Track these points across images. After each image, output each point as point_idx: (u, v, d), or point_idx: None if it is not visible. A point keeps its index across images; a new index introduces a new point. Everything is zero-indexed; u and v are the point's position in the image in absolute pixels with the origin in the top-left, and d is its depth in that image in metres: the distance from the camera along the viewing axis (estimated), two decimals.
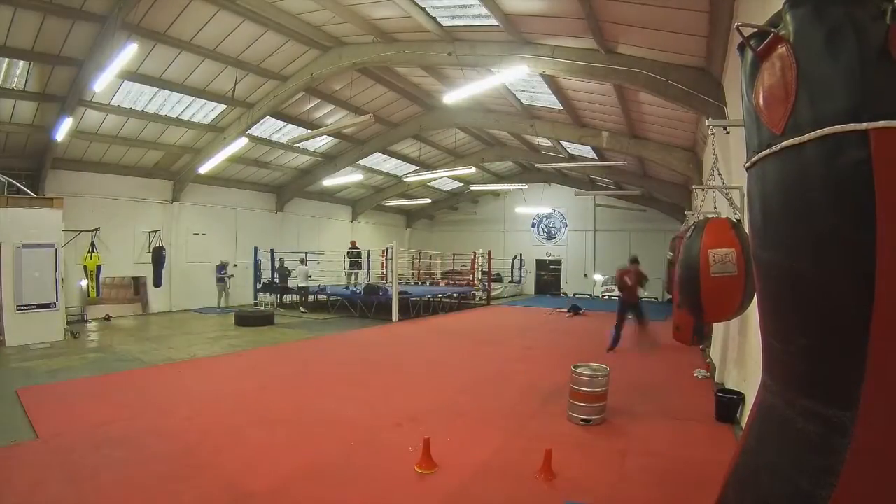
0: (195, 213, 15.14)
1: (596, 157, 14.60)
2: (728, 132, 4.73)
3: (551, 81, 9.66)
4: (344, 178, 16.51)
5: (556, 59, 7.93)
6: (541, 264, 23.89)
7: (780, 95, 1.28)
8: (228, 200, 16.10)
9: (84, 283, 11.34)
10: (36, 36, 7.99)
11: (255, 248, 15.52)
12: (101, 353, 8.28)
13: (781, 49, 1.29)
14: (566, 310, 15.30)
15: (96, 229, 10.86)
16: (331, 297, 15.08)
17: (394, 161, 17.87)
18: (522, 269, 23.55)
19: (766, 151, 1.34)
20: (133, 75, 9.57)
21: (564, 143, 14.29)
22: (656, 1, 5.72)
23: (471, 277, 19.25)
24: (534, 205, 22.14)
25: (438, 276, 21.02)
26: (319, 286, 15.45)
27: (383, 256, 18.79)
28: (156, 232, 13.40)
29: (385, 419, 5.02)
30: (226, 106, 11.62)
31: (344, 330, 11.50)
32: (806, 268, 1.25)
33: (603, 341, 9.33)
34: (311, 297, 15.40)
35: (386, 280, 16.45)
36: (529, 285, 23.82)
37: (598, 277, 21.27)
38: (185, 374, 7.04)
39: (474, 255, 18.77)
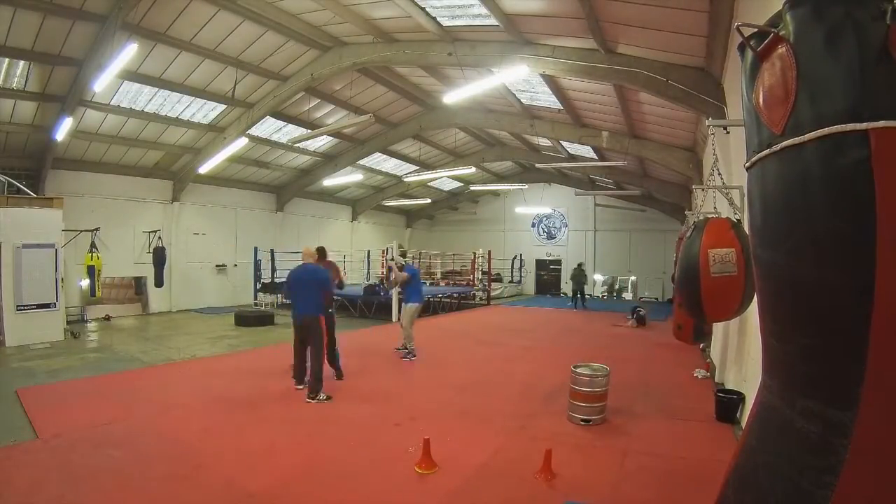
0: (195, 213, 15.14)
1: (596, 157, 14.60)
2: (728, 132, 4.73)
3: (551, 81, 9.65)
4: (344, 178, 16.51)
5: (556, 59, 7.93)
6: (541, 264, 23.89)
7: (780, 95, 1.28)
8: (228, 200, 16.09)
9: (85, 282, 11.34)
10: (36, 36, 7.99)
11: (255, 249, 15.52)
12: (101, 353, 8.28)
13: (781, 49, 1.29)
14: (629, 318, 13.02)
15: (96, 229, 10.86)
16: None
17: (394, 161, 17.87)
18: (522, 269, 23.56)
19: (766, 151, 1.34)
20: (133, 75, 9.56)
21: (564, 143, 14.29)
22: (656, 1, 5.72)
23: (471, 277, 19.25)
24: (534, 205, 22.14)
25: (438, 276, 21.01)
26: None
27: (383, 256, 18.76)
28: (156, 232, 13.41)
29: (385, 419, 5.02)
30: (226, 106, 11.62)
31: (344, 330, 11.47)
32: (806, 268, 1.25)
33: (602, 341, 9.34)
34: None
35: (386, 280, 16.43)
36: (529, 285, 23.83)
37: (598, 277, 21.28)
38: (185, 374, 7.04)
39: (474, 255, 18.77)
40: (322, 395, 5.59)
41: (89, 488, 3.41)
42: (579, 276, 16.68)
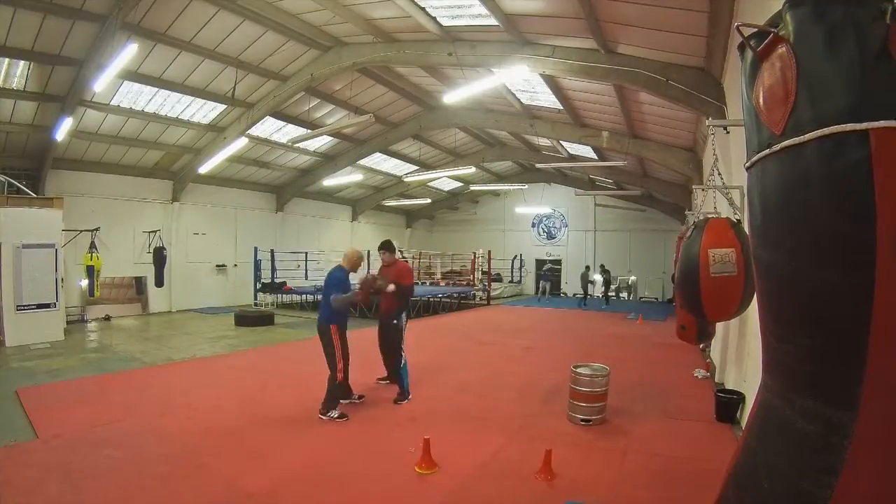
0: (195, 213, 15.15)
1: (596, 157, 14.60)
2: (728, 132, 4.73)
3: (551, 81, 9.65)
4: (344, 178, 16.52)
5: (556, 59, 7.93)
6: (541, 264, 23.88)
7: (780, 95, 1.28)
8: (228, 200, 16.10)
9: (84, 282, 11.35)
10: (36, 36, 7.99)
11: (255, 248, 15.53)
12: (101, 353, 8.28)
13: (781, 49, 1.29)
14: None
15: (96, 229, 10.87)
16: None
17: (394, 161, 17.88)
18: (522, 269, 23.55)
19: (766, 151, 1.34)
20: (133, 75, 9.57)
21: (564, 143, 14.29)
22: (656, 1, 5.72)
23: (471, 277, 19.24)
24: (534, 205, 22.14)
25: (438, 276, 21.00)
26: (316, 287, 15.46)
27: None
28: (156, 232, 13.42)
29: (385, 419, 5.02)
30: (226, 106, 11.62)
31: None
32: (806, 268, 1.25)
33: (602, 341, 9.33)
34: (313, 298, 15.39)
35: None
36: (529, 285, 23.83)
37: (598, 278, 21.28)
38: (185, 374, 7.03)
39: (474, 255, 18.76)
40: (334, 413, 4.92)
41: (89, 488, 3.41)
42: (585, 276, 18.69)
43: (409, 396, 5.64)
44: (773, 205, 1.36)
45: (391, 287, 5.57)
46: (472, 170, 18.30)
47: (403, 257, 18.89)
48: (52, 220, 9.37)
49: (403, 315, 5.81)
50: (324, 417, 4.88)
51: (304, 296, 15.50)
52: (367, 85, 11.90)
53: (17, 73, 8.84)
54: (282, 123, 13.20)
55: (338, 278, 5.06)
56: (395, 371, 5.73)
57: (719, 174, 4.68)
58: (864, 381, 1.14)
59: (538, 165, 17.06)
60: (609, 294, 18.97)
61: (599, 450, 4.32)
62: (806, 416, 1.27)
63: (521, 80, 10.31)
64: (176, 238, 14.34)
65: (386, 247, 5.94)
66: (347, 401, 5.29)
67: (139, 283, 14.12)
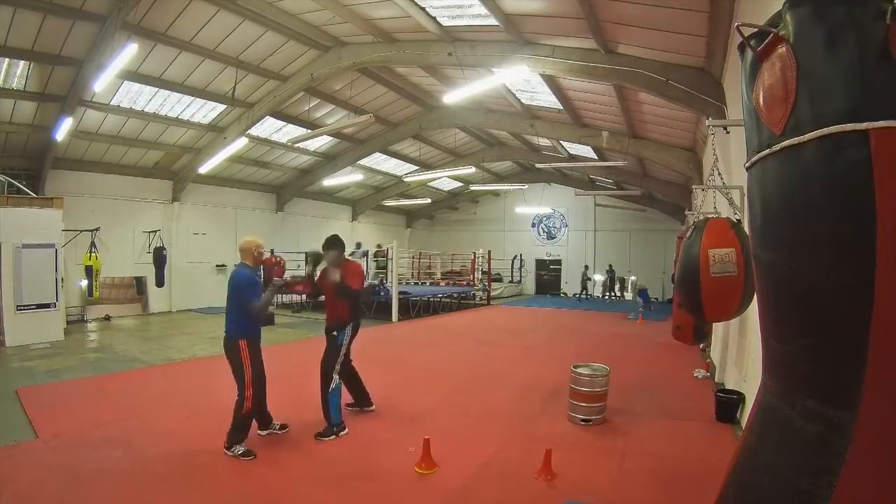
0: (195, 213, 15.15)
1: (596, 157, 14.61)
2: (728, 132, 4.73)
3: (551, 81, 9.65)
4: (344, 178, 16.52)
5: (557, 59, 7.93)
6: (541, 264, 23.90)
7: (780, 95, 1.28)
8: (228, 200, 16.11)
9: (84, 282, 11.35)
10: (36, 36, 7.99)
11: None
12: (101, 353, 8.28)
13: (781, 49, 1.29)
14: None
15: (96, 229, 10.87)
16: None
17: (394, 161, 17.88)
18: (522, 269, 23.56)
19: (766, 151, 1.34)
20: (133, 75, 9.57)
21: (564, 143, 14.30)
22: (656, 1, 5.72)
23: (471, 277, 19.25)
24: (534, 205, 22.15)
25: (438, 276, 21.00)
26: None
27: (385, 257, 18.78)
28: (156, 232, 13.42)
29: (385, 419, 5.02)
30: (226, 106, 11.62)
31: None
32: (806, 268, 1.25)
33: (602, 341, 9.32)
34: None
35: (386, 280, 16.47)
36: (529, 285, 23.84)
37: (598, 277, 21.29)
38: (185, 374, 7.03)
39: (474, 255, 18.77)
40: (238, 449, 3.93)
41: (89, 488, 3.41)
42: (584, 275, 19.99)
43: (342, 431, 4.43)
44: (773, 205, 1.36)
45: (336, 278, 4.49)
46: (472, 170, 18.31)
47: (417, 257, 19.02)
48: (52, 220, 9.37)
49: (349, 328, 4.62)
50: (228, 453, 3.92)
51: (304, 296, 15.49)
52: (367, 85, 11.90)
53: (17, 73, 8.84)
54: (282, 123, 13.20)
55: (248, 278, 4.07)
56: (322, 395, 4.50)
57: (719, 174, 4.68)
58: (864, 381, 1.14)
59: (538, 165, 17.07)
60: (587, 294, 20.29)
61: (599, 450, 4.32)
62: (806, 416, 1.27)
63: (521, 80, 10.31)
64: (176, 238, 14.34)
65: (332, 244, 4.68)
66: (266, 431, 4.37)
67: (139, 283, 14.12)
